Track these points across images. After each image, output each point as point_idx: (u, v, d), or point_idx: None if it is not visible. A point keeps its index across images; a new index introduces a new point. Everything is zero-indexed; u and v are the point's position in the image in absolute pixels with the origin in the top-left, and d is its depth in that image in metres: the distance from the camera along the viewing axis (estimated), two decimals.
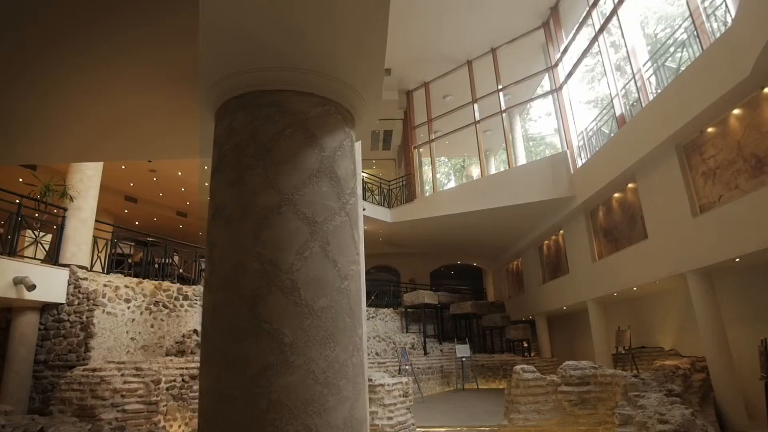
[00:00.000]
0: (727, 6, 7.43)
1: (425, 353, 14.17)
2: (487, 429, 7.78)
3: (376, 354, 12.43)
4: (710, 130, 8.01)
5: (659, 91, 9.03)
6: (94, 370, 7.13)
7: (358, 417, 1.86)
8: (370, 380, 7.38)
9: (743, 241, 7.06)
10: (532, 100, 16.04)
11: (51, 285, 7.64)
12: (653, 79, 9.52)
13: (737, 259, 7.46)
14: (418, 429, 8.05)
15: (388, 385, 7.50)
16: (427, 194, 16.11)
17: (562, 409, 6.76)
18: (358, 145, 5.98)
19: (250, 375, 1.73)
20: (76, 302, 7.84)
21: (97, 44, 1.96)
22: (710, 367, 8.00)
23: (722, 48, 7.05)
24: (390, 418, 7.32)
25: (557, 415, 6.78)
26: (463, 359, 14.02)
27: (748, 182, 7.31)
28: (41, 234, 7.99)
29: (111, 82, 2.23)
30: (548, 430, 6.72)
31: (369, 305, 14.90)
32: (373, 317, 13.99)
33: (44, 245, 7.98)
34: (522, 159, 17.36)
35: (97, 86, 2.28)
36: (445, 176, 29.49)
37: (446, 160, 28.52)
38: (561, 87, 12.91)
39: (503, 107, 14.53)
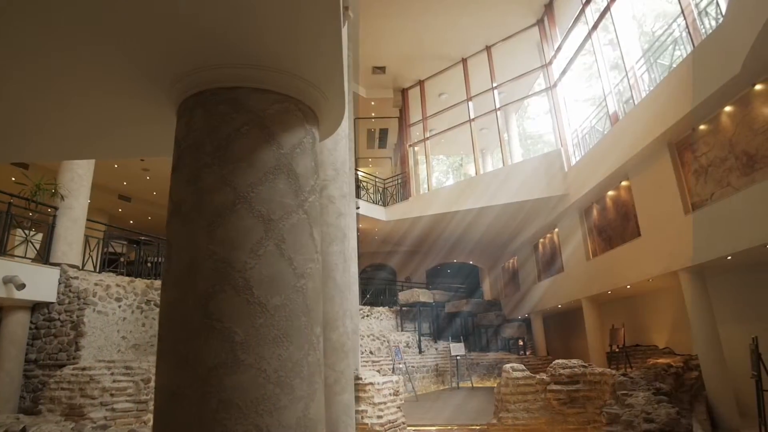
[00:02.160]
0: (718, 3, 7.40)
1: (420, 352, 14.16)
2: (478, 428, 7.77)
3: (371, 353, 12.43)
4: (702, 127, 7.97)
5: (652, 88, 9.00)
6: (83, 368, 7.14)
7: (313, 417, 1.84)
8: (359, 379, 7.37)
9: (735, 238, 7.04)
10: (526, 98, 16.01)
11: (41, 284, 7.64)
12: (646, 76, 9.48)
13: (729, 257, 7.43)
14: (409, 428, 8.04)
15: (378, 383, 7.49)
16: (423, 192, 16.08)
17: (551, 408, 6.75)
18: (343, 143, 5.97)
19: (200, 374, 1.71)
20: (66, 301, 7.84)
21: (82, 46, 1.95)
22: (702, 366, 7.97)
23: (713, 45, 7.02)
24: (380, 417, 7.31)
25: (546, 414, 6.77)
26: (458, 358, 14.01)
27: (739, 180, 7.28)
28: (32, 233, 7.98)
29: (97, 83, 2.21)
30: (537, 429, 6.71)
31: (364, 303, 14.88)
32: (367, 316, 13.98)
33: (35, 244, 7.98)
34: (519, 157, 17.32)
35: (83, 87, 2.27)
36: (443, 174, 29.47)
37: (445, 158, 28.51)
38: (555, 85, 12.86)
39: (498, 105, 14.50)
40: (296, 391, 1.78)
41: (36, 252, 7.98)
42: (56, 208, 8.30)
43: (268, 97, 2.04)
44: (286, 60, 2.00)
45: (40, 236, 8.15)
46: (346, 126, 6.09)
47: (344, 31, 6.53)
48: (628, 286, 10.30)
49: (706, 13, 7.93)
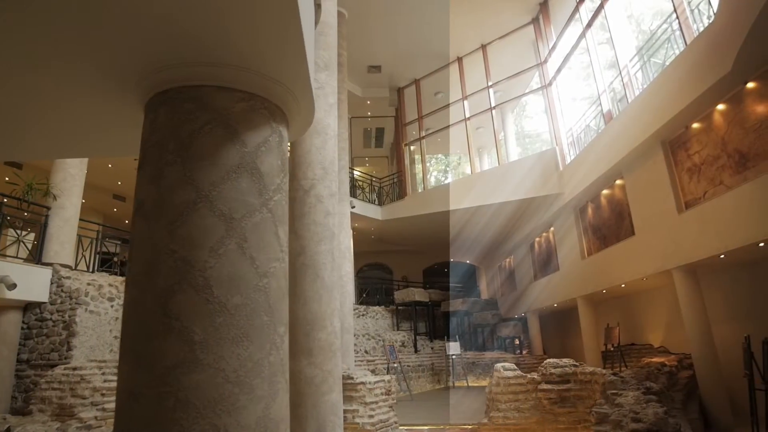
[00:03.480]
0: (710, 2, 7.37)
1: (416, 351, 14.15)
2: (469, 427, 7.75)
3: (366, 352, 12.42)
4: (695, 125, 7.95)
5: (645, 86, 8.97)
6: (74, 368, 7.13)
7: (275, 417, 1.83)
8: (350, 378, 7.37)
9: (727, 237, 7.01)
10: (521, 96, 15.97)
11: (33, 284, 7.63)
12: (640, 74, 9.45)
13: (722, 256, 7.40)
14: (401, 427, 8.02)
15: (370, 383, 7.48)
16: (419, 191, 16.06)
17: (542, 407, 6.73)
18: (332, 142, 5.95)
19: (158, 373, 1.70)
20: (58, 301, 7.83)
21: (51, 46, 1.94)
22: (695, 365, 7.95)
23: (705, 43, 6.99)
24: (371, 416, 7.30)
25: (537, 414, 6.75)
26: (454, 357, 13.99)
27: (732, 178, 7.25)
28: (24, 233, 7.98)
29: (66, 83, 2.21)
30: (528, 428, 6.69)
31: (360, 303, 14.87)
32: (363, 315, 13.96)
33: (27, 244, 7.97)
34: (516, 156, 17.29)
35: (53, 86, 2.26)
36: (441, 173, 29.44)
37: (443, 157, 28.49)
38: (550, 83, 12.84)
39: (493, 104, 14.47)
40: (256, 391, 1.77)
41: (28, 252, 7.97)
42: (48, 208, 8.29)
43: (233, 96, 2.03)
44: (250, 58, 1.99)
45: (32, 236, 8.15)
46: (335, 125, 6.07)
47: (336, 29, 6.50)
48: (623, 285, 10.28)
49: (699, 11, 7.91)
